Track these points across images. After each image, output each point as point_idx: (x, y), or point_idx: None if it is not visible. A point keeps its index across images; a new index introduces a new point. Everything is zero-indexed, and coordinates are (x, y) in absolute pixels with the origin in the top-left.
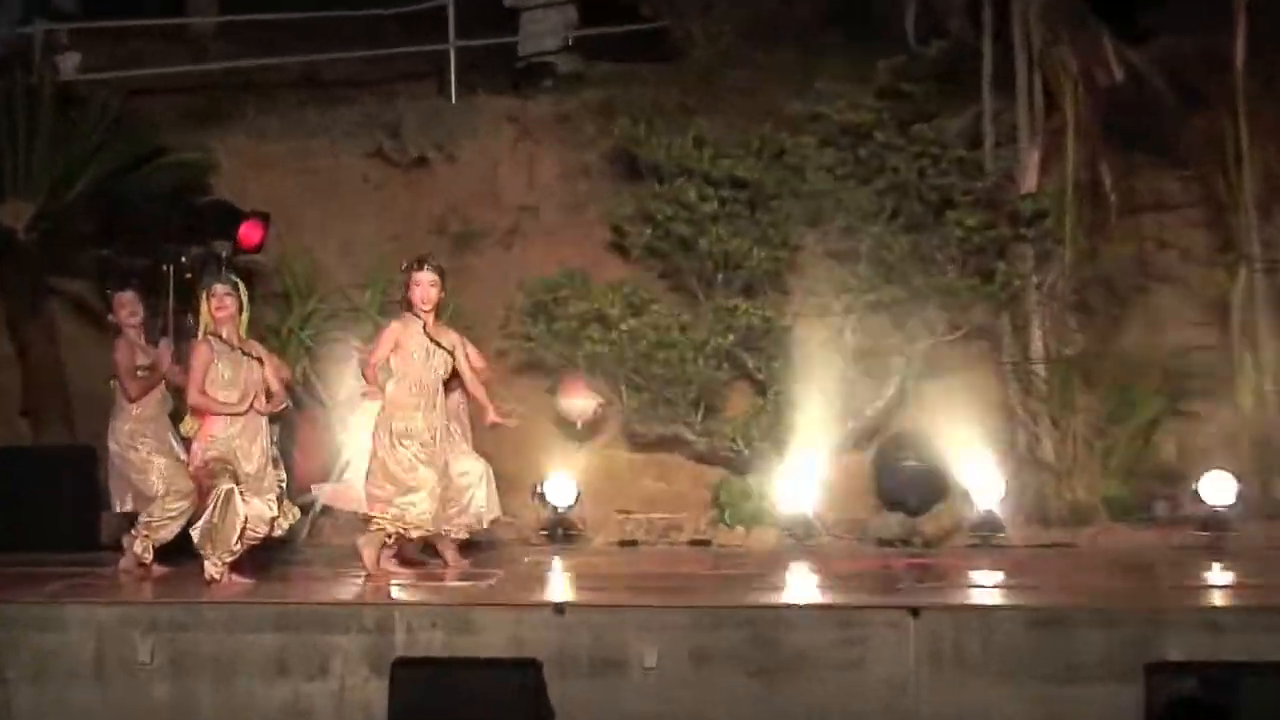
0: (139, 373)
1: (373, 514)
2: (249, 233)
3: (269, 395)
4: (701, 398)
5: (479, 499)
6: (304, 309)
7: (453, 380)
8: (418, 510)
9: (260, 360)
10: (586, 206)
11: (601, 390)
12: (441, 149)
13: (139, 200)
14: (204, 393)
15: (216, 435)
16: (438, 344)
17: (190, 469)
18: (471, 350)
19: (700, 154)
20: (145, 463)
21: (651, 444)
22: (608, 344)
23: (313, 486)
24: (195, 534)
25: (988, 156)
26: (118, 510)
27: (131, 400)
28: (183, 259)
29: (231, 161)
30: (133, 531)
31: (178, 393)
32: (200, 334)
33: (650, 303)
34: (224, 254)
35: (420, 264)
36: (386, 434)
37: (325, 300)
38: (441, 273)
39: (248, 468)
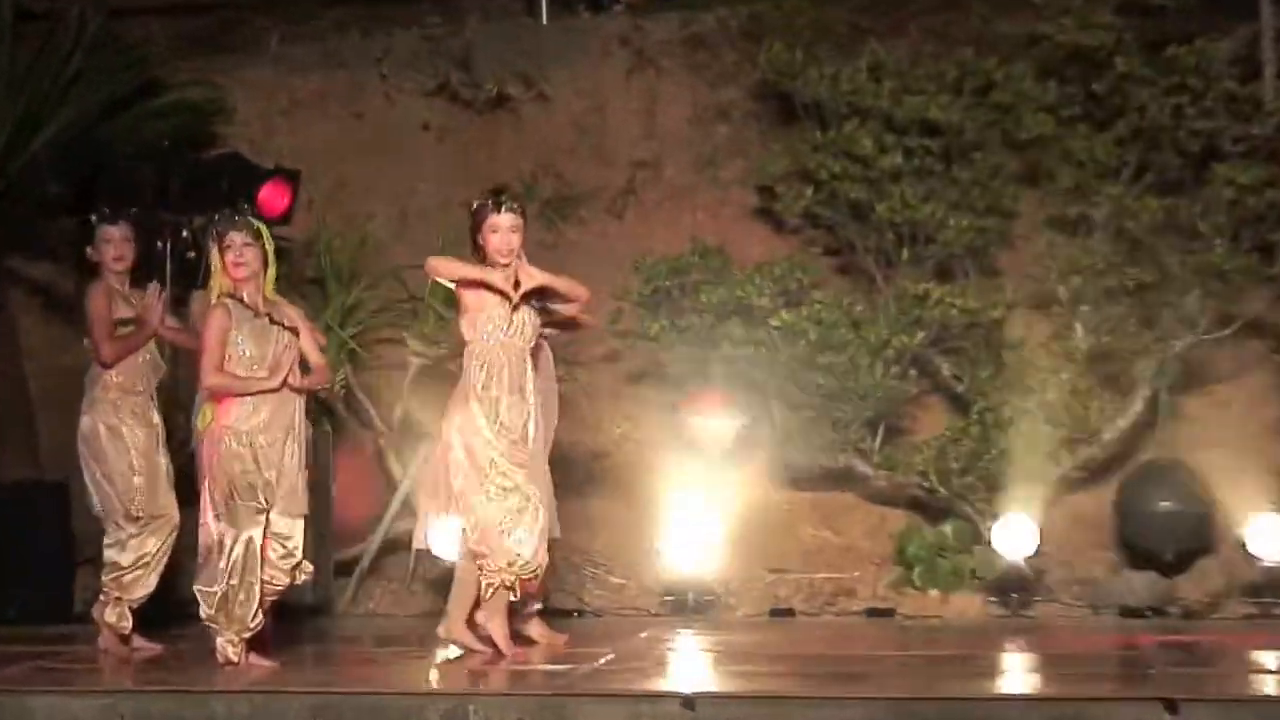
0: (118, 328)
1: (481, 565)
2: (272, 197)
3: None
4: (881, 417)
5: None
6: (345, 299)
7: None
8: (528, 549)
9: (295, 330)
10: (724, 161)
11: (746, 408)
12: (529, 84)
13: (126, 153)
14: (222, 370)
15: (234, 427)
16: (524, 304)
17: (203, 490)
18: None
19: (878, 89)
20: (119, 450)
21: (813, 480)
22: (754, 345)
23: (424, 513)
24: (201, 594)
25: (1268, 90)
26: (95, 510)
27: (105, 363)
28: (183, 232)
29: (249, 103)
30: (101, 595)
31: (174, 360)
32: (213, 298)
33: (811, 289)
34: None
35: (498, 202)
36: (461, 440)
37: (374, 288)
38: (524, 214)
39: (270, 475)
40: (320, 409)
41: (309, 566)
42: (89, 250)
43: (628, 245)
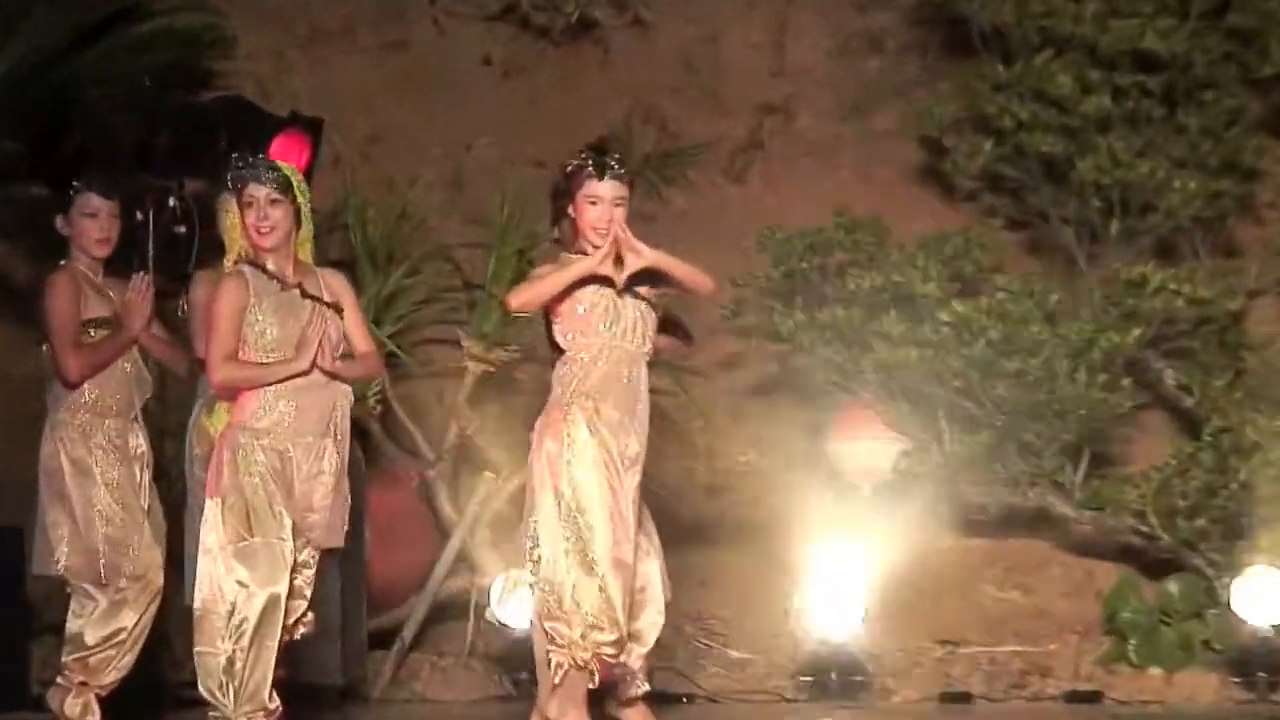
0: (89, 331)
1: (552, 646)
2: (286, 153)
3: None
4: (1084, 441)
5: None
6: (381, 287)
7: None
8: (609, 616)
9: (336, 306)
10: (877, 105)
11: (909, 428)
12: (621, 7)
13: (99, 97)
14: (235, 357)
15: (251, 425)
16: (630, 293)
17: (208, 514)
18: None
19: (1079, 11)
20: (86, 492)
21: (996, 524)
22: (917, 346)
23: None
24: (201, 659)
25: None
26: (39, 571)
27: (69, 379)
28: (171, 199)
29: (257, 32)
30: (60, 678)
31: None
32: (230, 262)
33: (993, 273)
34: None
35: (599, 164)
36: (549, 473)
37: (418, 272)
38: (632, 182)
39: (303, 489)
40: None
41: (310, 616)
42: (59, 222)
43: (751, 216)
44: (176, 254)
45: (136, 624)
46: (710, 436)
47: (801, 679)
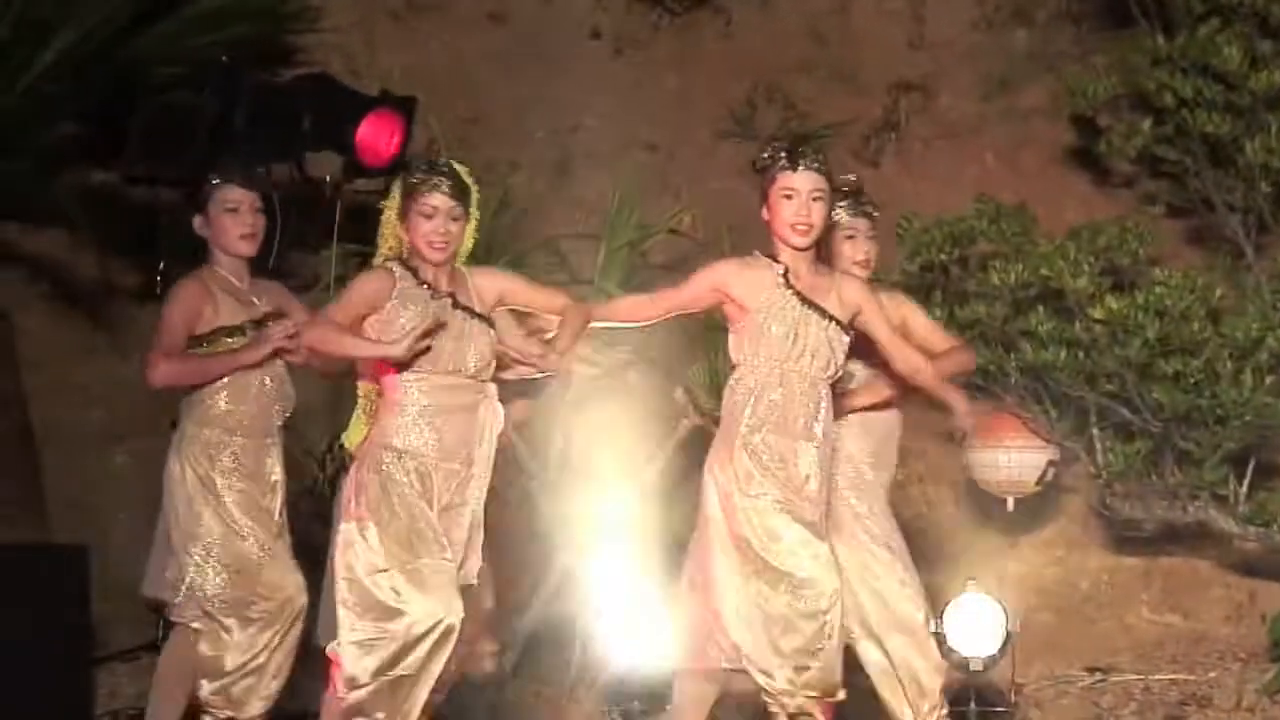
0: (226, 339)
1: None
2: (376, 135)
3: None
4: (1251, 450)
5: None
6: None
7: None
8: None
9: (487, 319)
10: (1024, 83)
11: (1057, 435)
12: None
13: (167, 77)
14: (375, 357)
15: (397, 445)
16: (816, 307)
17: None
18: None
19: None
20: (209, 510)
21: (1151, 540)
22: (1067, 345)
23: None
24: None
25: None
26: (152, 593)
27: (149, 381)
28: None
29: (344, 3)
30: (205, 716)
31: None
32: (379, 259)
33: (1151, 265)
34: (330, 177)
35: (793, 154)
36: (719, 500)
37: (521, 264)
38: (831, 176)
39: (440, 516)
40: None
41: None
42: (197, 223)
43: (886, 203)
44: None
45: (277, 648)
46: None
47: (937, 712)
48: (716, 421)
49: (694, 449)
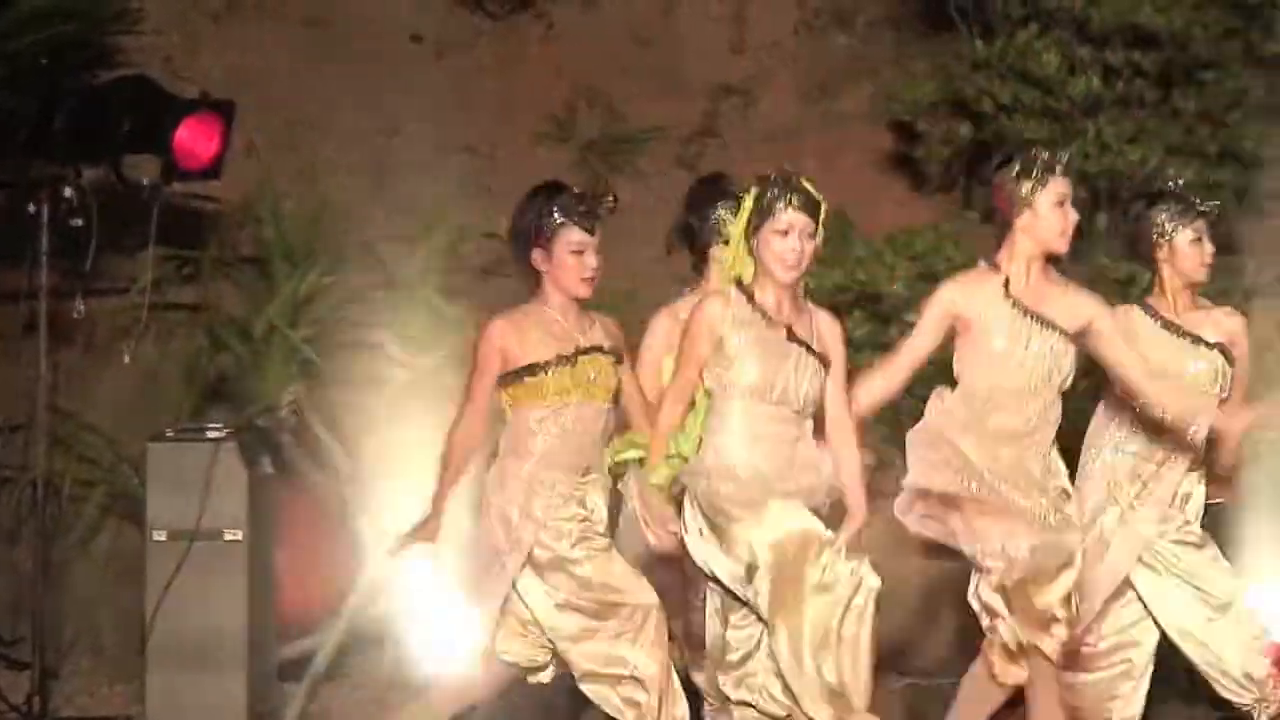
0: (545, 371)
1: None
2: (194, 139)
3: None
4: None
5: None
6: (298, 286)
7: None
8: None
9: (824, 359)
10: (845, 85)
11: (875, 444)
12: None
13: None
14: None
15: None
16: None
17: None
18: None
19: None
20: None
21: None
22: (883, 349)
23: None
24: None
25: None
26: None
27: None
28: (66, 190)
29: (166, 4)
30: None
31: None
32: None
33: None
34: (147, 180)
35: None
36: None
37: (337, 270)
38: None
39: None
40: (257, 441)
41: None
42: (535, 256)
43: None
44: (73, 246)
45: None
46: None
47: None
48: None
49: None
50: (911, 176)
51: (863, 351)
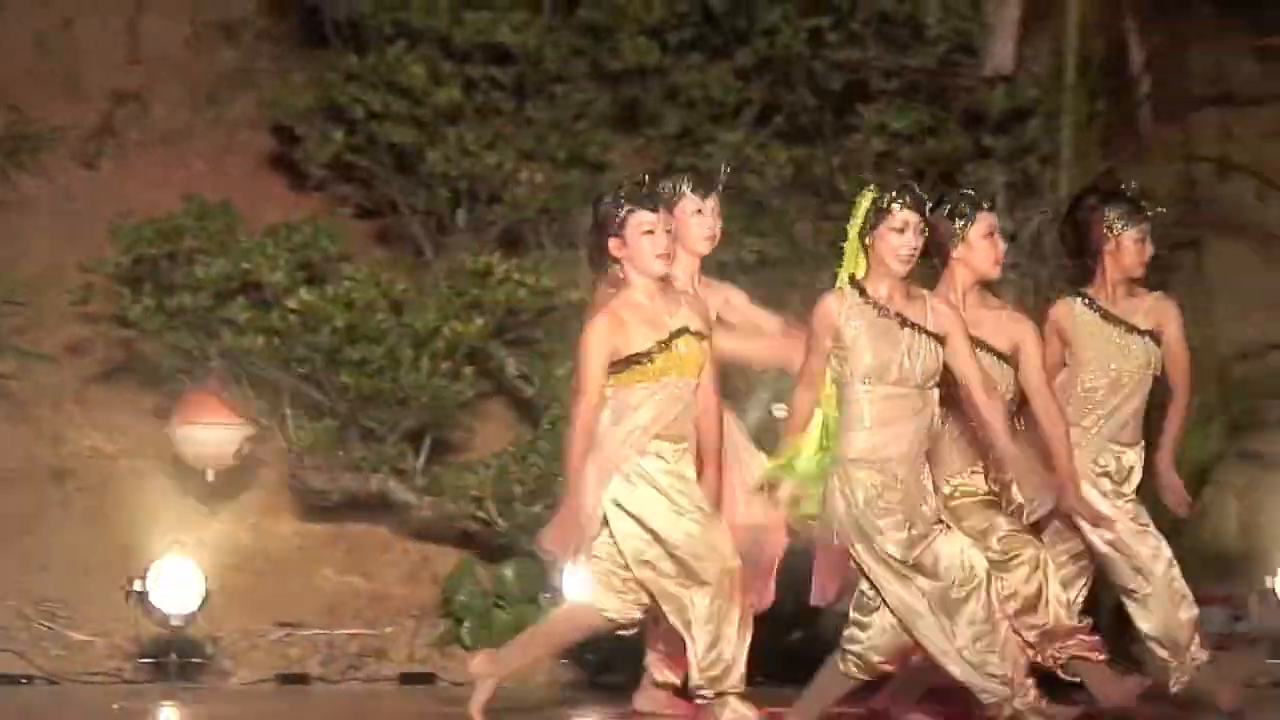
0: (649, 359)
1: None
2: None
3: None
4: (426, 428)
5: None
6: None
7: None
8: None
9: (939, 337)
10: (231, 95)
11: (254, 414)
12: None
13: None
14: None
15: (864, 458)
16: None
17: None
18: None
19: (433, 3)
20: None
21: (337, 509)
22: (264, 333)
23: None
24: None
25: (931, 10)
26: None
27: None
28: None
29: None
30: None
31: None
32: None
33: (341, 261)
34: None
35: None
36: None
37: None
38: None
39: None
40: None
41: None
42: (612, 245)
43: (103, 202)
44: None
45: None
46: (57, 422)
47: (142, 660)
48: None
49: None
50: (292, 176)
51: (247, 335)
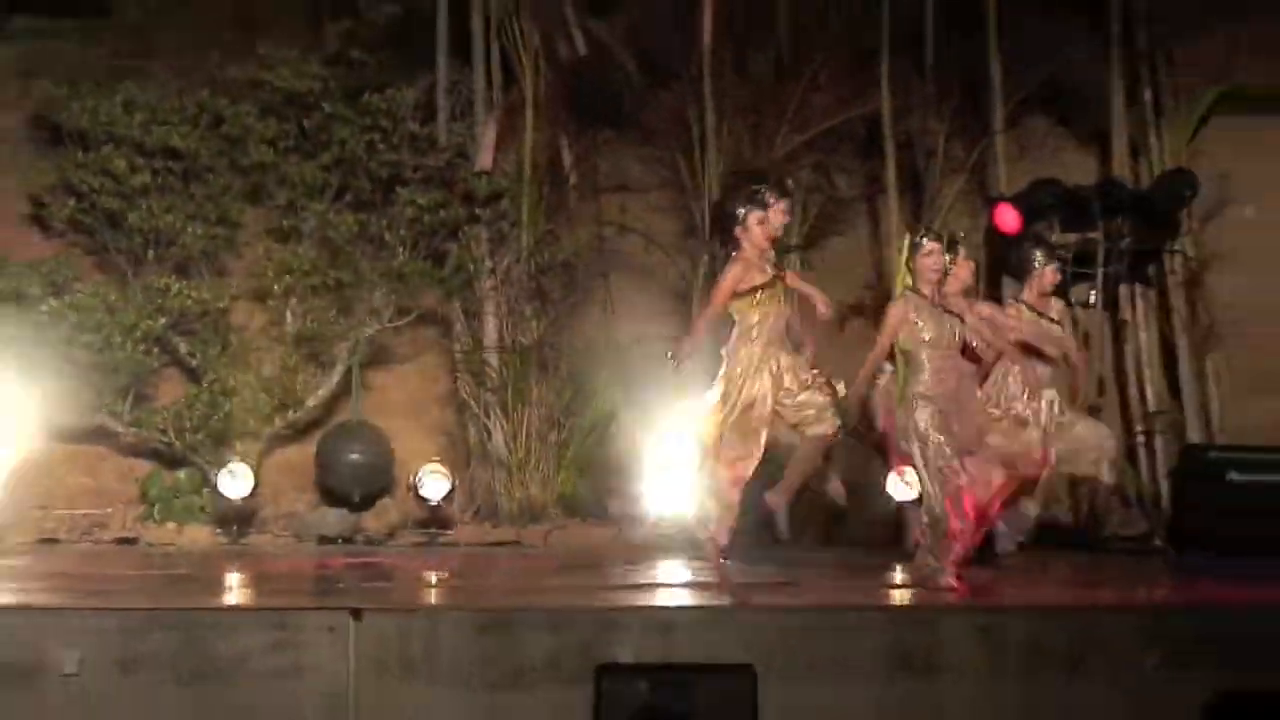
0: (761, 291)
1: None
2: None
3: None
4: (131, 386)
5: None
6: None
7: None
8: None
9: (960, 317)
10: (5, 175)
11: (17, 377)
12: None
13: None
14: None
15: (925, 394)
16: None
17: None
18: None
19: (130, 120)
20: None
21: (76, 435)
22: (26, 327)
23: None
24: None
25: (442, 131)
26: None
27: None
28: None
29: None
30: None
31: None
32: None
33: (75, 281)
34: None
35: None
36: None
37: None
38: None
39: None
40: None
41: None
42: (738, 231)
43: None
44: None
45: None
46: None
47: None
48: None
49: None
50: (43, 229)
51: (16, 328)
